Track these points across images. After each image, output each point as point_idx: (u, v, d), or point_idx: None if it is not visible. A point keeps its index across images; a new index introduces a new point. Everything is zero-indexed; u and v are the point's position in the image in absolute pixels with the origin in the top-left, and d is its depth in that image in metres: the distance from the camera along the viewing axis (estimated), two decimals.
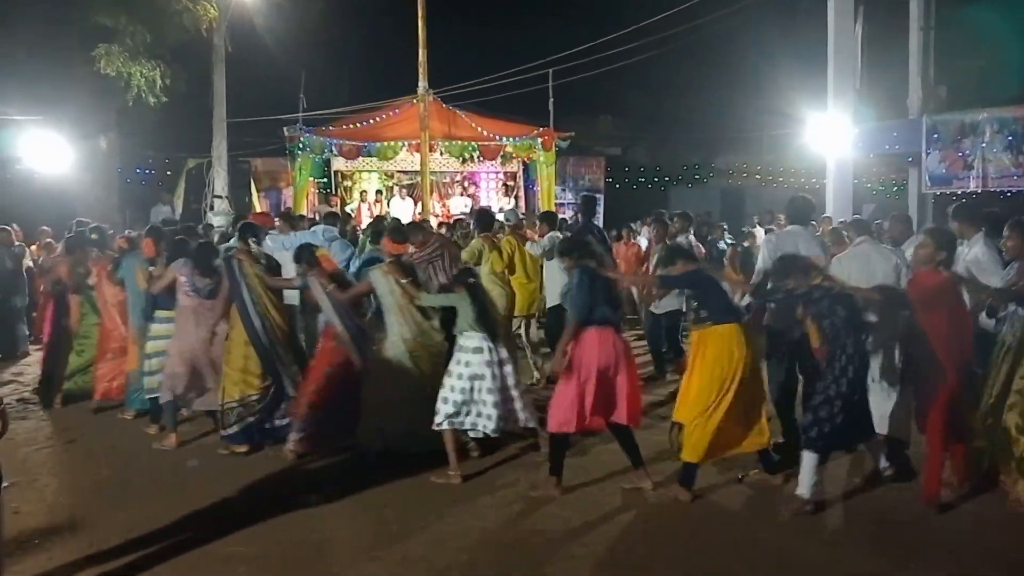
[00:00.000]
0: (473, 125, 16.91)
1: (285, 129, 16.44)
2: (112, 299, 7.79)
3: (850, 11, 14.40)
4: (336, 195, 17.67)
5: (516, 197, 18.53)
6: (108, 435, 7.07)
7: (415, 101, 15.54)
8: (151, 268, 7.29)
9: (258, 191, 18.17)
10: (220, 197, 17.24)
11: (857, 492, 5.47)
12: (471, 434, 6.02)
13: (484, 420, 5.77)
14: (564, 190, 19.55)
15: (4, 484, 4.33)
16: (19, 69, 14.52)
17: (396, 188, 18.08)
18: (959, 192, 13.65)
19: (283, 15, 17.81)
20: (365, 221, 14.13)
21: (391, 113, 16.78)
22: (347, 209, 16.95)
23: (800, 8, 17.80)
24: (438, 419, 5.77)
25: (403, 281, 6.28)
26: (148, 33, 14.82)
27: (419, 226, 8.72)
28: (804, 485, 5.12)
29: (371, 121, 16.79)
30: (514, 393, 5.93)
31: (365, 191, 17.99)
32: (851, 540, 4.85)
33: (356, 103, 17.83)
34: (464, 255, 8.19)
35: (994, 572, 4.50)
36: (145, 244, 7.55)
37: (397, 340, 6.28)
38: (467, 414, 5.78)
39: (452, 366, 5.84)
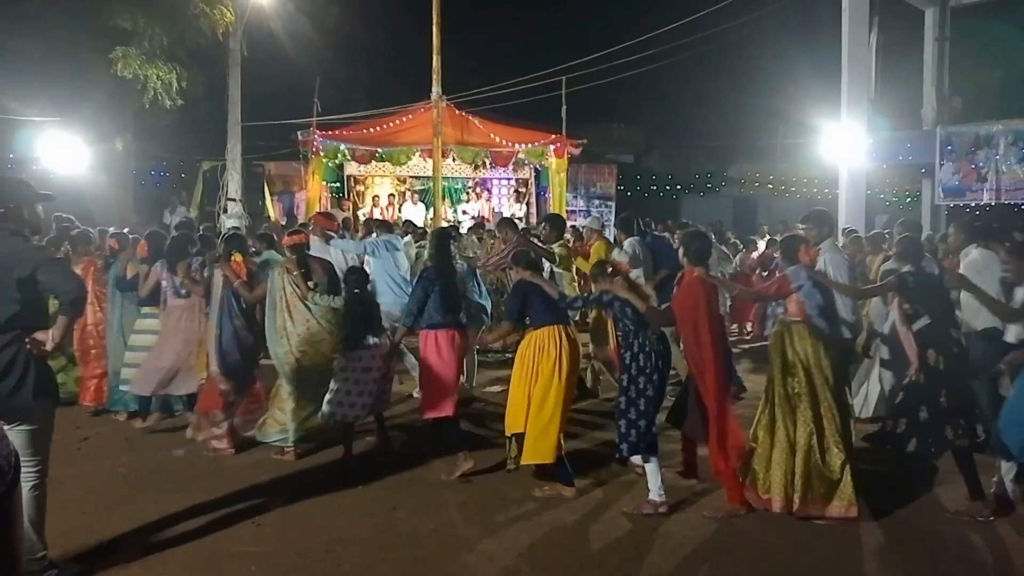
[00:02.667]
0: (486, 131, 16.96)
1: (299, 133, 16.53)
2: (100, 294, 7.86)
3: (865, 21, 14.39)
4: (348, 199, 17.76)
5: (528, 204, 18.58)
6: (119, 435, 7.11)
7: (428, 107, 15.60)
8: (143, 266, 7.40)
9: (271, 195, 18.28)
10: (234, 200, 17.34)
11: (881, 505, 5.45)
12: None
13: (359, 410, 6.27)
14: (576, 197, 19.60)
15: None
16: (37, 71, 14.65)
17: (408, 193, 18.16)
18: (972, 204, 13.62)
19: (299, 20, 17.92)
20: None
21: (404, 118, 16.84)
22: (359, 214, 17.04)
23: (815, 17, 17.79)
24: (325, 411, 6.23)
25: (295, 273, 6.48)
26: (165, 36, 14.93)
27: (509, 221, 8.81)
28: (654, 489, 5.30)
29: (384, 126, 16.87)
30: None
31: (377, 196, 18.07)
32: (863, 552, 4.84)
33: (370, 108, 17.92)
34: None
35: None
36: (140, 246, 7.59)
37: (283, 338, 6.44)
38: (350, 406, 6.23)
39: (341, 361, 6.28)
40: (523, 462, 5.67)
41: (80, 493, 5.66)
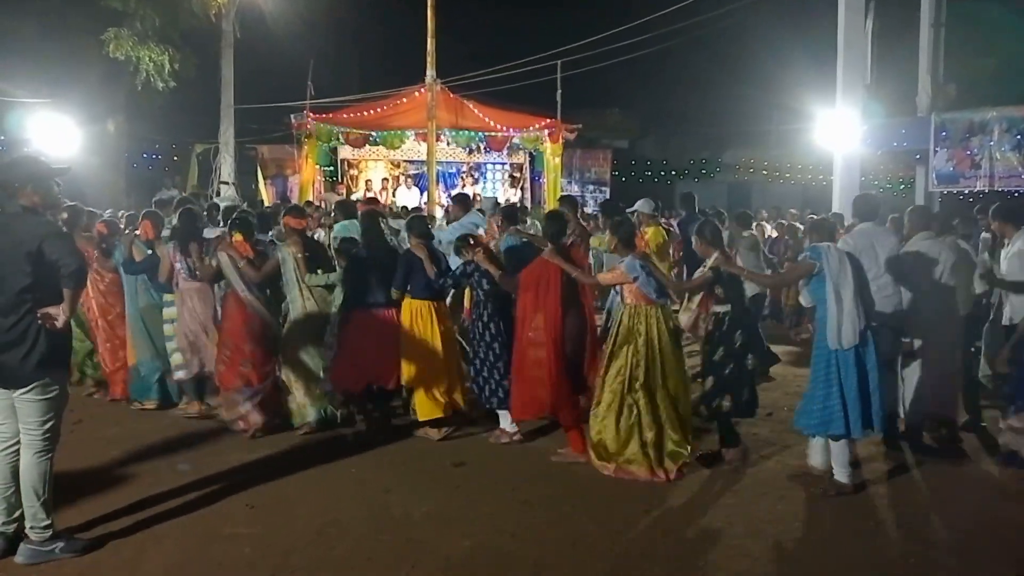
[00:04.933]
0: (480, 115, 16.90)
1: (293, 116, 16.44)
2: (101, 285, 7.52)
3: (861, 7, 14.34)
4: (342, 183, 17.70)
5: (522, 188, 18.55)
6: (113, 417, 7.09)
7: (423, 90, 15.53)
8: (148, 251, 7.23)
9: (264, 178, 18.21)
10: (227, 183, 17.28)
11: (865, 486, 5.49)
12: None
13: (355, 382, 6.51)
14: (570, 182, 19.58)
15: None
16: (29, 51, 14.57)
17: (402, 177, 18.10)
18: (966, 191, 13.65)
19: (293, 2, 17.81)
20: None
21: (398, 102, 16.76)
22: (353, 198, 16.98)
23: (811, 3, 17.74)
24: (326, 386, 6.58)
25: (299, 256, 6.65)
26: (157, 17, 14.87)
27: (569, 199, 8.74)
28: (506, 427, 6.22)
29: (378, 109, 16.79)
30: None
31: (371, 179, 18.01)
32: (851, 536, 4.88)
33: (364, 91, 17.85)
34: (593, 242, 8.56)
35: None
36: (143, 226, 7.36)
37: (301, 312, 6.64)
38: (348, 378, 6.49)
39: (335, 330, 6.59)
40: (420, 419, 6.37)
41: (73, 475, 5.66)
